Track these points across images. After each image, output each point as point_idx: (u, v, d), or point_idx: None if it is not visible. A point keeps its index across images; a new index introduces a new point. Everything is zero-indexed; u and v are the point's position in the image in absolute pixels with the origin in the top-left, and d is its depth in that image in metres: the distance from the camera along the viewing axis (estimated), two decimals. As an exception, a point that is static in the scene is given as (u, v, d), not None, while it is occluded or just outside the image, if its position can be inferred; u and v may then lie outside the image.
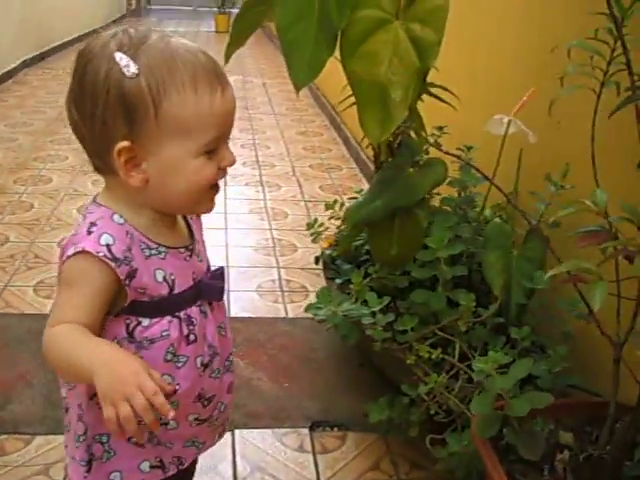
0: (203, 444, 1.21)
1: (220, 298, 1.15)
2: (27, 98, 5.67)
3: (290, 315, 2.51)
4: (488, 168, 1.81)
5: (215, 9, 11.71)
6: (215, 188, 1.05)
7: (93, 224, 0.99)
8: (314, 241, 2.28)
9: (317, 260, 2.27)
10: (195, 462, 1.28)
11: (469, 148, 1.95)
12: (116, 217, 1.01)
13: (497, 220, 1.74)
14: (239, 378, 2.08)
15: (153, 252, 1.03)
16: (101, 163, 1.02)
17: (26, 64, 6.84)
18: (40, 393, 2.04)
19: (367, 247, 2.12)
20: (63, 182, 3.75)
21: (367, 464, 1.81)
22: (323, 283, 2.61)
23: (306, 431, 1.92)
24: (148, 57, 0.96)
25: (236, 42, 1.94)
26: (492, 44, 2.37)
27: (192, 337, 1.07)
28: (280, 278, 2.78)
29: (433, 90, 1.67)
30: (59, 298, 1.02)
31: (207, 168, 1.01)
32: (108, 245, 0.97)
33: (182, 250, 1.08)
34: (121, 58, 0.95)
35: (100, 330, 1.04)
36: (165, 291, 1.04)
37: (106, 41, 0.97)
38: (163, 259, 1.04)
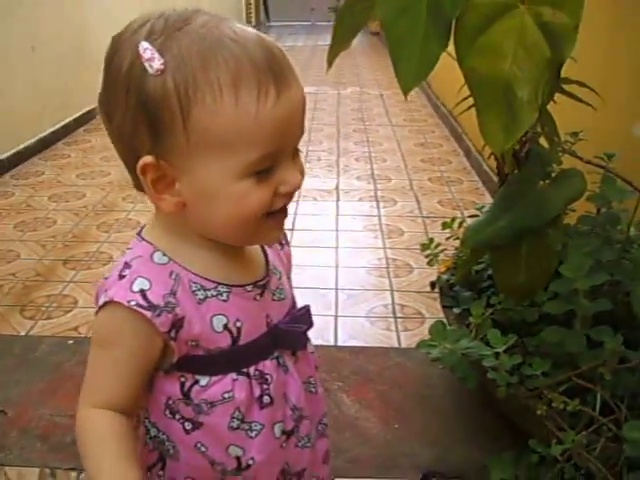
0: None
1: (303, 346, 0.93)
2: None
3: (404, 345, 2.28)
4: (635, 179, 1.54)
5: (332, 22, 11.66)
6: (277, 216, 0.81)
7: (127, 265, 0.81)
8: (430, 264, 2.04)
9: (433, 285, 2.03)
10: None
11: (610, 156, 1.67)
12: (157, 256, 0.82)
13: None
14: (343, 416, 1.87)
15: (210, 293, 0.83)
16: (138, 181, 0.81)
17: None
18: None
19: (489, 272, 1.86)
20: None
21: (484, 528, 1.55)
22: (440, 309, 2.38)
23: (417, 484, 1.68)
24: (180, 48, 0.73)
25: (339, 44, 1.75)
26: (635, 29, 2.05)
27: (267, 399, 0.87)
28: (393, 302, 2.55)
29: (568, 87, 1.41)
30: (92, 360, 0.84)
31: (256, 194, 0.77)
32: (142, 291, 0.78)
33: (249, 288, 0.86)
34: (145, 50, 0.73)
35: (148, 390, 0.85)
36: (226, 343, 0.83)
37: (140, 24, 0.76)
38: (225, 301, 0.83)
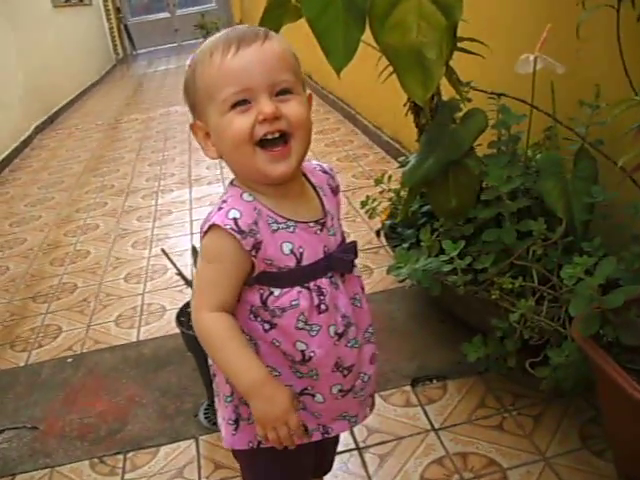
0: (355, 417, 1.28)
1: (350, 270, 1.21)
2: (49, 160, 5.84)
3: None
4: (523, 108, 1.92)
5: (201, 39, 11.88)
6: (269, 148, 1.07)
7: (224, 202, 1.11)
8: (371, 217, 2.39)
9: (378, 233, 2.38)
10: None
11: (499, 95, 2.05)
12: (245, 195, 1.12)
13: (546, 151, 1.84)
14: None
15: (282, 226, 1.11)
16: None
17: (38, 129, 7.04)
18: (153, 410, 2.16)
19: (423, 210, 2.22)
20: (110, 225, 3.90)
21: (473, 404, 1.92)
22: (383, 259, 2.75)
23: (409, 388, 2.03)
24: (202, 46, 1.11)
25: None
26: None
27: (323, 307, 1.14)
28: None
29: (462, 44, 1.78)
30: (201, 272, 1.15)
31: (238, 121, 1.05)
32: (235, 219, 1.07)
33: (312, 224, 1.14)
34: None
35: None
36: (292, 263, 1.12)
37: None
38: (292, 232, 1.12)
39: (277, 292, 1.13)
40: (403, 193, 2.33)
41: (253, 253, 1.09)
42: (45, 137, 6.91)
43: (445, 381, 2.04)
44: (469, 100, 2.04)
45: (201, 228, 1.12)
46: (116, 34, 14.45)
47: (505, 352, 1.77)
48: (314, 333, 1.16)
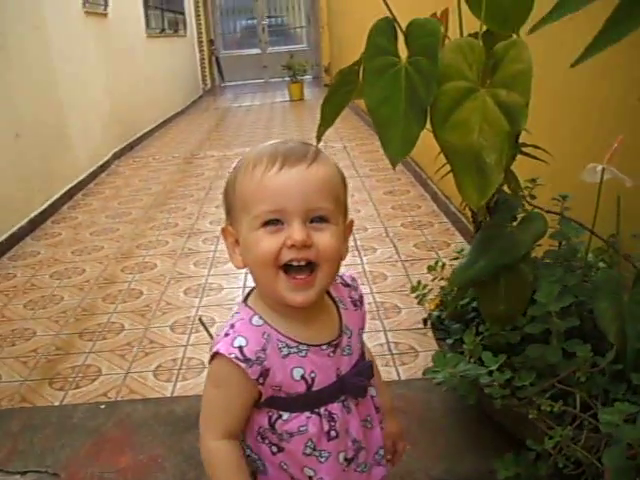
0: None
1: (363, 395, 1.17)
2: (122, 188, 5.96)
3: (403, 377, 2.55)
4: (586, 217, 1.84)
5: (287, 79, 12.07)
6: (293, 276, 1.04)
7: (232, 326, 1.09)
8: (420, 303, 2.33)
9: (425, 322, 2.31)
10: None
11: (564, 197, 1.98)
12: (255, 319, 1.09)
13: (604, 267, 1.75)
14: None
15: (293, 350, 1.08)
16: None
17: (116, 156, 7.19)
18: (173, 475, 2.12)
19: (473, 305, 2.15)
20: (167, 266, 3.93)
21: (498, 523, 1.81)
22: (430, 342, 2.66)
23: (434, 493, 1.94)
24: (248, 152, 1.10)
25: (326, 123, 2.04)
26: (579, 98, 2.41)
27: (333, 433, 1.11)
28: (388, 341, 2.82)
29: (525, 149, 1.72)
30: (207, 397, 1.13)
31: (267, 240, 1.03)
32: (240, 347, 1.05)
33: (324, 347, 1.11)
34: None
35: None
36: (302, 389, 1.09)
37: None
38: (304, 357, 1.09)
39: (286, 416, 1.11)
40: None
41: (260, 381, 1.07)
42: (122, 164, 7.05)
43: (473, 490, 1.94)
44: (533, 198, 1.98)
45: (211, 349, 1.10)
46: (207, 65, 14.82)
47: (537, 475, 1.67)
48: (323, 460, 1.12)
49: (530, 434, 1.68)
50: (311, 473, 1.12)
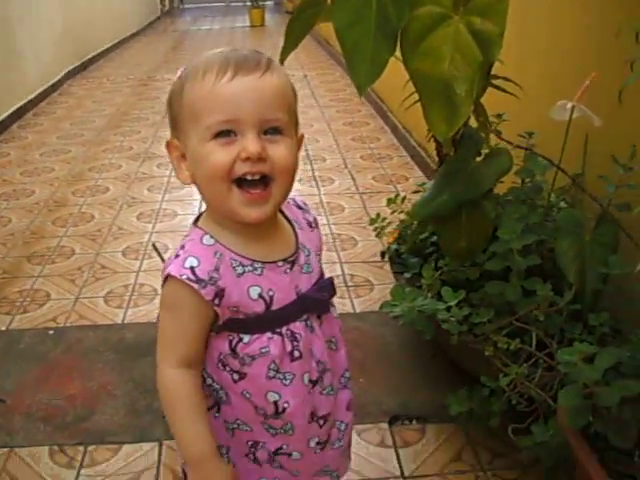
0: (336, 471, 1.22)
1: (326, 310, 1.14)
2: (74, 109, 5.78)
3: (358, 310, 2.53)
4: (552, 155, 1.81)
5: (248, 3, 11.75)
6: (247, 190, 0.98)
7: (182, 247, 1.03)
8: (378, 236, 2.30)
9: (383, 255, 2.29)
10: None
11: (530, 134, 1.95)
12: (206, 238, 1.03)
13: (567, 207, 1.73)
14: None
15: (248, 269, 1.04)
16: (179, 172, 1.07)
17: (69, 75, 6.96)
18: (123, 403, 2.09)
19: (433, 240, 2.12)
20: (120, 190, 3.83)
21: (449, 455, 1.82)
22: (387, 276, 2.64)
23: (386, 426, 1.94)
24: (196, 60, 1.02)
25: (291, 45, 1.97)
26: (551, 31, 2.35)
27: (297, 353, 1.07)
28: (344, 273, 2.80)
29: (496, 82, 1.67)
30: (162, 323, 1.07)
31: (219, 153, 0.97)
32: (192, 267, 0.99)
33: (280, 263, 1.06)
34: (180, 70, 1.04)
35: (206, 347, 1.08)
36: (261, 308, 1.04)
37: None
38: (260, 275, 1.04)
39: (246, 339, 1.06)
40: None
41: (216, 302, 1.02)
42: (75, 84, 6.83)
43: (425, 424, 1.94)
44: (499, 133, 1.94)
45: (162, 273, 1.04)
46: (165, -15, 14.34)
47: (490, 411, 1.67)
48: (287, 382, 1.08)
49: (485, 371, 1.67)
50: (276, 397, 1.08)
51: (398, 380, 2.13)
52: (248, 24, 11.68)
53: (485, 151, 1.83)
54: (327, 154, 4.30)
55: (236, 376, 1.07)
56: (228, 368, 1.08)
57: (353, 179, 3.84)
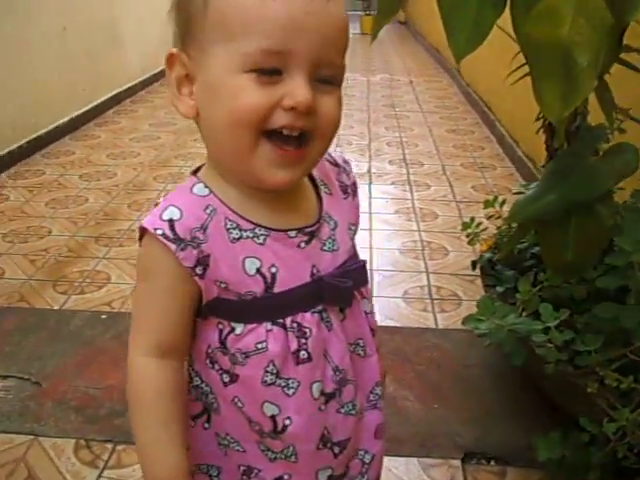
0: None
1: (349, 302, 0.85)
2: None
3: (440, 326, 2.24)
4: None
5: (360, 12, 11.58)
6: (279, 145, 0.74)
7: (166, 195, 0.78)
8: (470, 243, 2.00)
9: (474, 264, 1.99)
10: None
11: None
12: (197, 187, 0.79)
13: None
14: (381, 395, 1.83)
15: (246, 234, 0.78)
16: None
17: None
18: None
19: (533, 251, 1.82)
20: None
21: (531, 510, 1.52)
22: (478, 291, 2.34)
23: (458, 463, 1.64)
24: None
25: (384, 16, 1.69)
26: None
27: (304, 354, 0.81)
28: (429, 284, 2.51)
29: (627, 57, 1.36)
30: (135, 296, 0.83)
31: (255, 93, 0.71)
32: (171, 220, 0.74)
33: (293, 233, 0.81)
34: None
35: (192, 337, 0.83)
36: (259, 288, 0.78)
37: None
38: (261, 245, 0.78)
39: (239, 329, 0.80)
40: (515, 226, 1.92)
41: (197, 271, 0.76)
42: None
43: (505, 467, 1.63)
44: (622, 131, 1.63)
45: None
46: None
47: (588, 462, 1.36)
48: (290, 392, 0.81)
49: (585, 412, 1.37)
50: (274, 411, 0.81)
51: (478, 411, 1.82)
52: (359, 31, 11.50)
53: (605, 146, 1.52)
54: (425, 159, 4.01)
55: (226, 377, 0.82)
56: (217, 366, 0.82)
57: (451, 186, 3.55)
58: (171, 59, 0.77)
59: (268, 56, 0.70)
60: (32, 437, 1.76)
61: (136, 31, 5.70)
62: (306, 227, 0.82)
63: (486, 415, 1.80)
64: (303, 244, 0.81)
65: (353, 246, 0.90)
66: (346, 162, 0.93)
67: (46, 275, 2.58)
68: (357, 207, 0.93)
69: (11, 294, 2.44)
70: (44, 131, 4.18)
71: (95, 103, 4.92)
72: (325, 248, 0.83)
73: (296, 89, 0.71)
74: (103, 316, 2.29)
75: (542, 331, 1.37)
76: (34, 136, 4.06)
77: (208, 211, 0.77)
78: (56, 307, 2.37)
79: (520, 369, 1.86)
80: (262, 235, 0.79)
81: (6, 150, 3.79)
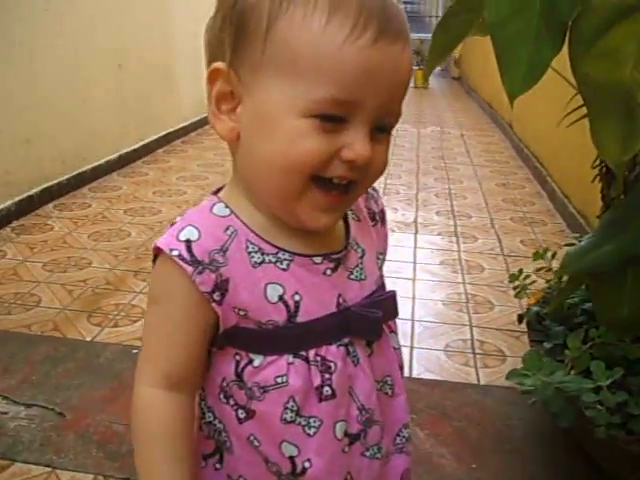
0: None
1: (378, 335, 0.79)
2: (223, 141, 5.70)
3: (482, 382, 2.13)
4: None
5: (414, 66, 11.67)
6: (327, 191, 0.69)
7: (183, 214, 0.73)
8: (518, 296, 1.91)
9: (520, 318, 1.89)
10: None
11: None
12: (218, 207, 0.73)
13: None
14: (417, 450, 1.74)
15: (268, 259, 0.72)
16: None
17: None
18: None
19: (584, 307, 1.72)
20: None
21: None
22: (523, 348, 2.24)
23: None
24: None
25: (437, 56, 1.66)
26: None
27: (327, 391, 0.74)
28: (472, 338, 2.41)
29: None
30: (146, 322, 0.76)
31: (315, 140, 0.65)
32: (189, 241, 0.69)
33: (318, 260, 0.75)
34: None
35: (206, 369, 0.77)
36: (281, 317, 0.72)
37: None
38: (285, 270, 0.73)
39: (258, 361, 0.73)
40: (566, 278, 1.83)
41: (215, 297, 0.70)
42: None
43: (547, 540, 1.52)
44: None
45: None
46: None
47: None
48: (312, 431, 0.74)
49: (637, 481, 1.26)
50: (293, 452, 0.74)
51: (519, 474, 1.70)
52: (412, 85, 11.57)
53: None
54: (473, 212, 3.93)
55: (242, 414, 0.75)
56: (232, 401, 0.75)
57: (499, 240, 3.45)
58: (215, 74, 0.71)
59: (336, 105, 0.65)
60: (50, 469, 1.71)
61: (190, 73, 5.77)
62: (332, 253, 0.76)
63: (527, 479, 1.69)
64: (329, 271, 0.75)
65: (381, 276, 0.84)
66: (374, 189, 0.87)
67: (82, 306, 2.55)
68: (385, 236, 0.87)
69: (45, 322, 2.42)
70: (93, 165, 4.22)
71: (145, 141, 4.96)
72: (352, 277, 0.78)
73: (358, 142, 0.66)
74: (134, 351, 2.25)
75: (593, 391, 1.28)
76: (83, 169, 4.10)
77: (229, 232, 0.71)
78: (88, 338, 2.34)
79: (568, 431, 1.75)
80: (286, 260, 0.73)
81: (55, 181, 3.83)
